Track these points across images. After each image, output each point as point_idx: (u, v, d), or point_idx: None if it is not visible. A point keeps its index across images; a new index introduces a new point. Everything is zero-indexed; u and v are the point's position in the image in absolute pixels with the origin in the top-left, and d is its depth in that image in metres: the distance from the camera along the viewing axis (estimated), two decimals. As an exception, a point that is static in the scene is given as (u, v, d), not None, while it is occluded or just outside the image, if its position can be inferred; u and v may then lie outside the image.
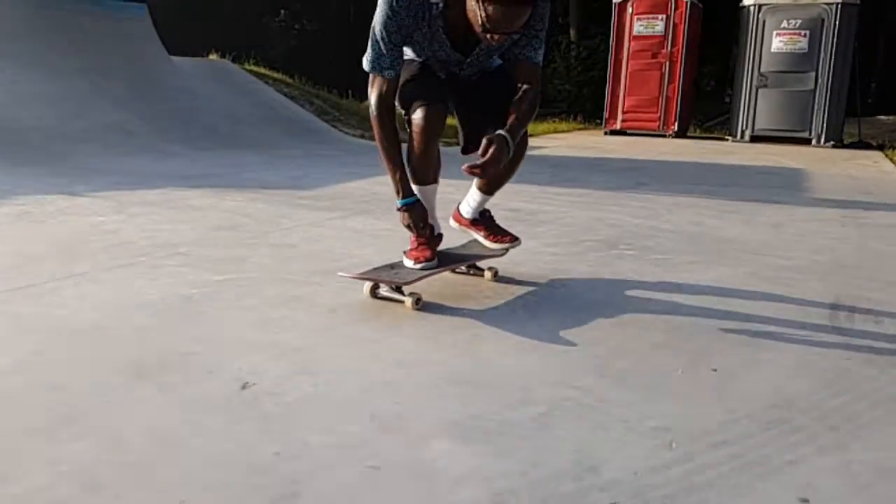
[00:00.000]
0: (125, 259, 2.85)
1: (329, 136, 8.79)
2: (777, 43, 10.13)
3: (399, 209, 2.45)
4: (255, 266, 2.82)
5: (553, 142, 10.14)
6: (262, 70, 11.34)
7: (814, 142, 10.05)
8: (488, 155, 2.15)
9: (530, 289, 2.61)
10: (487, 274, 2.72)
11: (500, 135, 2.18)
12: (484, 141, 2.16)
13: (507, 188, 2.75)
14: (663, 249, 3.30)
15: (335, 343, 2.02)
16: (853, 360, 1.98)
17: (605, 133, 11.40)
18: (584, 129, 12.82)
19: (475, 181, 2.61)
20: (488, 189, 2.68)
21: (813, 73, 9.98)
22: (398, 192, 2.42)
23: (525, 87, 2.32)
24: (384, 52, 2.23)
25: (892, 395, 1.75)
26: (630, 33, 11.00)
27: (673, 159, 7.76)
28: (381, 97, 2.30)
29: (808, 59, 9.98)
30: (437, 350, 1.98)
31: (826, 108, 9.97)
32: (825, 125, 10.00)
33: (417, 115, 2.31)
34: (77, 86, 7.14)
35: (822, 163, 7.72)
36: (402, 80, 2.32)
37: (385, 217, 3.86)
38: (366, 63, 2.28)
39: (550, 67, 16.93)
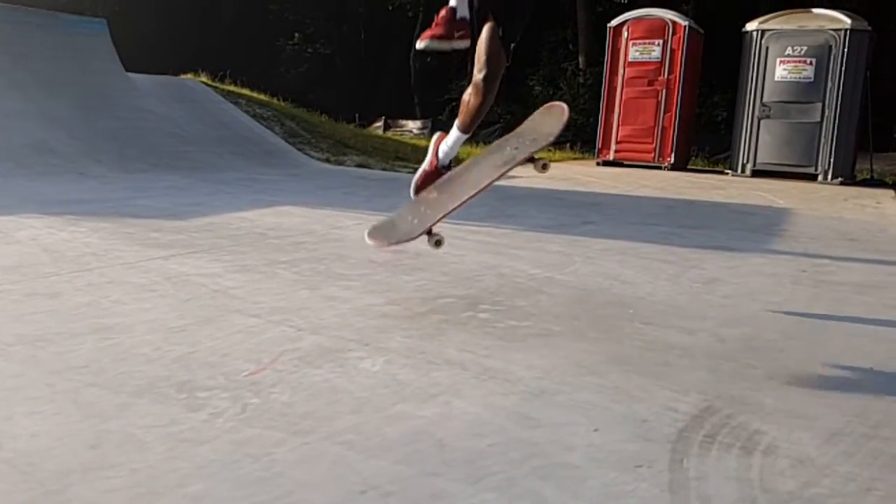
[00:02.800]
0: None
1: (287, 158, 8.25)
2: (781, 71, 9.35)
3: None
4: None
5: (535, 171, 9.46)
6: (238, 89, 10.93)
7: (820, 178, 9.20)
8: None
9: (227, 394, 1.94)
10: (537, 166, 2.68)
11: None
12: None
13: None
14: (529, 313, 2.61)
15: None
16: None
17: (598, 164, 10.69)
18: (581, 158, 12.12)
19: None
20: (463, 125, 2.69)
21: (819, 104, 9.16)
22: None
23: None
24: None
25: None
26: (625, 59, 10.32)
27: (648, 194, 7.03)
28: None
29: (814, 88, 9.17)
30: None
31: (833, 142, 9.13)
32: (832, 160, 9.15)
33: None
34: (6, 101, 6.71)
35: (818, 202, 6.91)
36: None
37: (223, 259, 3.25)
38: None
39: (557, 95, 16.33)
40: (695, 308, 2.80)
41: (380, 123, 18.27)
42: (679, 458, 1.54)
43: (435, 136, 2.96)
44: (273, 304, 2.56)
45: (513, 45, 2.64)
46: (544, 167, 2.71)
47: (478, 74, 2.54)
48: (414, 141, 13.02)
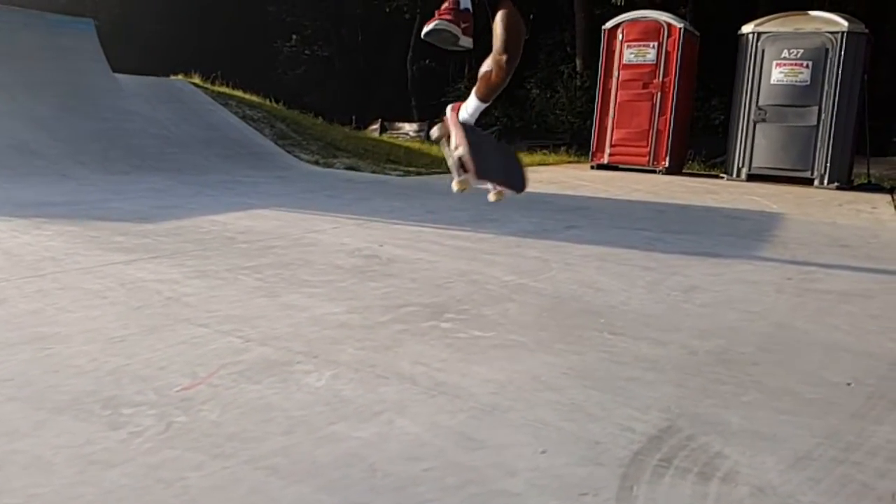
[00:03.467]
0: None
1: (275, 160, 8.15)
2: (777, 74, 9.23)
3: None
4: None
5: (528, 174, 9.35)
6: (230, 90, 10.83)
7: (816, 182, 9.07)
8: None
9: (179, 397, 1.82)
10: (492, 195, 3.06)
11: None
12: None
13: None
14: (495, 323, 2.49)
15: None
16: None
17: (592, 167, 10.57)
18: (576, 162, 12.00)
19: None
20: (483, 95, 2.78)
21: (815, 108, 9.04)
22: None
23: None
24: None
25: None
26: (620, 62, 10.20)
27: (639, 198, 6.91)
28: None
29: (810, 92, 9.04)
30: None
31: (830, 146, 9.00)
32: (828, 164, 9.02)
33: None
34: (-11, 101, 6.62)
35: (812, 207, 6.79)
36: None
37: (186, 264, 3.14)
38: None
39: (554, 98, 16.24)
40: (669, 318, 2.69)
41: (376, 126, 18.15)
42: (629, 484, 1.42)
43: (449, 107, 2.98)
44: (226, 313, 2.45)
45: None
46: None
47: (501, 56, 2.62)
48: (408, 143, 12.92)
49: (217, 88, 10.54)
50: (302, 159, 8.47)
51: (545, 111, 15.79)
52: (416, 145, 12.61)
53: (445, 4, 2.63)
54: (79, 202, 4.82)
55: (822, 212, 6.47)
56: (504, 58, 2.61)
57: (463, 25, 2.62)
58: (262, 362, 2.00)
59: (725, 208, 6.40)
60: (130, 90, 8.41)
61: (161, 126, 8.00)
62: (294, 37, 22.17)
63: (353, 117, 19.01)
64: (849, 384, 2.06)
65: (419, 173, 8.47)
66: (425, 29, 2.63)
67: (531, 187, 6.46)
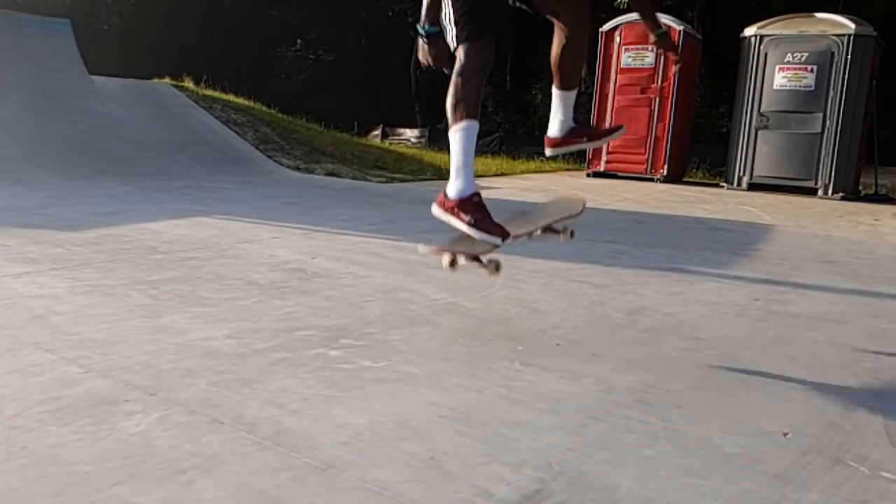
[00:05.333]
0: None
1: (253, 165, 7.90)
2: (780, 79, 8.85)
3: (423, 37, 2.35)
4: None
5: (519, 182, 9.06)
6: (219, 94, 10.63)
7: (820, 192, 8.67)
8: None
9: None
10: (562, 237, 2.66)
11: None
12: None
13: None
14: (394, 350, 2.18)
15: None
16: None
17: (588, 175, 10.23)
18: (573, 169, 11.67)
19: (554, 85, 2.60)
20: (564, 83, 2.58)
21: (820, 114, 8.65)
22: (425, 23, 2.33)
23: None
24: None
25: None
26: (617, 65, 9.87)
27: (625, 208, 6.57)
28: None
29: (814, 97, 8.66)
30: None
31: (835, 155, 8.60)
32: (833, 174, 8.62)
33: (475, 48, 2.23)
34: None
35: (809, 218, 6.41)
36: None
37: (82, 277, 2.86)
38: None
39: (556, 103, 15.88)
40: (600, 345, 2.36)
41: (377, 132, 17.93)
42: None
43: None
44: (87, 336, 2.16)
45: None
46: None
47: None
48: (403, 149, 12.64)
49: (205, 92, 10.34)
50: (282, 164, 8.22)
51: (548, 117, 15.44)
52: (412, 151, 12.34)
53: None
54: (17, 208, 4.58)
55: (818, 224, 6.10)
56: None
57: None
58: (87, 399, 1.71)
59: (713, 219, 6.05)
60: (107, 93, 8.21)
61: (135, 130, 7.78)
62: (298, 41, 22.03)
63: (356, 123, 18.81)
64: (785, 434, 1.73)
65: (403, 180, 8.19)
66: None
67: (512, 194, 6.22)
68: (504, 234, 2.19)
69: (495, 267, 2.25)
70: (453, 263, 2.27)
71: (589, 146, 2.77)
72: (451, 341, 2.33)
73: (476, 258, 2.25)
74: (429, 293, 2.92)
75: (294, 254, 3.54)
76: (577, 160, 12.39)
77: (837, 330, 2.71)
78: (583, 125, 2.68)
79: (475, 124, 2.24)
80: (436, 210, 2.31)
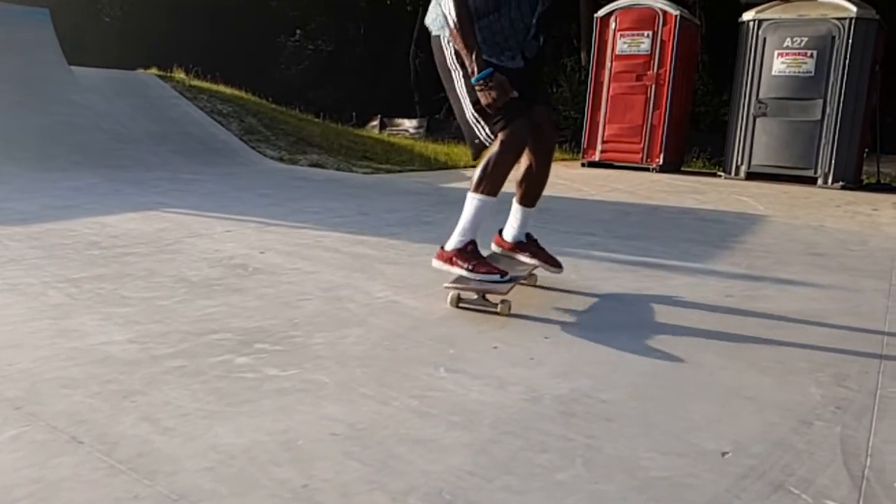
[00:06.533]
0: None
1: (235, 156, 7.71)
2: (779, 65, 8.56)
3: (479, 85, 2.40)
4: None
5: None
6: (208, 84, 10.46)
7: (820, 182, 8.39)
8: None
9: None
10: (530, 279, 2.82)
11: None
12: None
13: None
14: (311, 356, 1.99)
15: None
16: None
17: (583, 165, 9.98)
18: (570, 159, 11.41)
19: (515, 198, 2.78)
20: (529, 201, 2.76)
21: (820, 101, 8.35)
22: (475, 70, 2.40)
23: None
24: None
25: None
26: (612, 52, 9.59)
27: (612, 199, 6.34)
28: None
29: (814, 83, 8.36)
30: None
31: (835, 143, 8.31)
32: (833, 162, 8.33)
33: (517, 131, 2.44)
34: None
35: (804, 209, 6.17)
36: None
37: (2, 276, 2.69)
38: None
39: (557, 92, 15.64)
40: (542, 347, 2.16)
41: (375, 122, 17.71)
42: None
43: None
44: (-24, 341, 1.98)
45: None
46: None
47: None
48: (397, 140, 12.43)
49: (193, 83, 10.17)
50: (266, 155, 8.03)
51: (554, 109, 15.21)
52: (406, 142, 12.12)
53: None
54: (-29, 201, 4.42)
55: (813, 214, 5.86)
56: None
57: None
58: (-61, 415, 1.53)
59: (703, 210, 5.82)
60: (88, 84, 8.04)
61: (115, 121, 7.61)
62: (298, 31, 21.81)
63: (354, 114, 18.61)
64: (724, 454, 1.53)
65: (389, 171, 8.00)
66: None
67: (504, 187, 6.02)
68: (503, 273, 2.49)
69: (508, 308, 2.43)
70: (458, 303, 2.49)
71: (529, 261, 2.77)
72: (377, 344, 2.14)
73: (484, 297, 2.47)
74: (373, 291, 2.73)
75: (243, 248, 3.35)
76: (573, 150, 12.17)
77: (810, 330, 2.50)
78: (528, 243, 2.79)
79: (493, 202, 2.55)
80: (435, 263, 2.60)
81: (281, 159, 7.97)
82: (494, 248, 2.83)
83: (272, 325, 2.24)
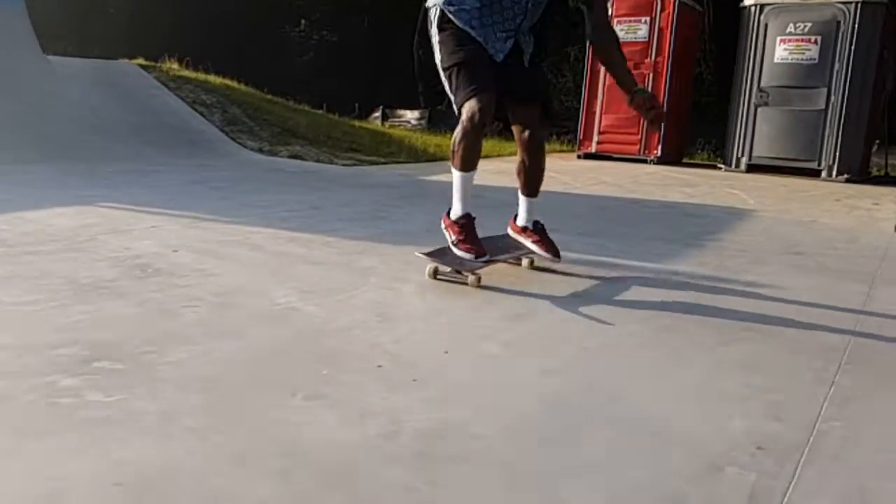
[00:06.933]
0: None
1: (212, 148, 7.48)
2: (781, 51, 8.16)
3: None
4: None
5: (496, 164, 8.51)
6: (196, 74, 10.24)
7: (824, 174, 7.99)
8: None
9: None
10: (525, 262, 2.99)
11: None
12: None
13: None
14: (159, 377, 1.72)
15: None
16: None
17: (579, 157, 9.65)
18: (567, 151, 11.08)
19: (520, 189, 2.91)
20: (529, 191, 2.89)
21: (824, 89, 7.94)
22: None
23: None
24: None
25: None
26: (609, 39, 9.22)
27: (594, 192, 6.02)
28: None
29: (818, 71, 7.95)
30: None
31: (840, 133, 7.90)
32: (838, 154, 7.93)
33: (471, 105, 2.55)
34: None
35: (800, 202, 5.81)
36: (453, 63, 2.60)
37: None
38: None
39: (561, 82, 15.27)
40: (434, 366, 1.88)
41: (378, 114, 17.42)
42: None
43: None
44: None
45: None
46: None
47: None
48: (393, 131, 12.14)
49: (179, 73, 9.95)
50: (246, 146, 7.80)
51: (552, 97, 14.84)
52: (401, 134, 11.84)
53: None
54: None
55: (807, 208, 5.50)
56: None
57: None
58: None
59: (688, 204, 5.49)
60: (65, 73, 7.84)
61: (90, 111, 7.40)
62: (303, 21, 21.55)
63: (357, 105, 18.34)
64: (594, 511, 1.24)
65: (373, 162, 7.73)
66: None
67: (484, 180, 5.78)
68: (479, 254, 2.61)
69: (477, 281, 2.60)
70: (435, 274, 2.68)
71: (536, 249, 2.89)
72: (239, 363, 1.86)
73: (458, 271, 2.65)
74: (276, 296, 2.46)
75: (157, 246, 3.09)
76: (570, 142, 11.83)
77: (759, 346, 2.19)
78: (534, 229, 2.90)
79: (469, 175, 2.68)
80: (442, 224, 2.77)
81: (261, 150, 7.73)
82: (508, 230, 2.98)
83: (126, 339, 1.97)
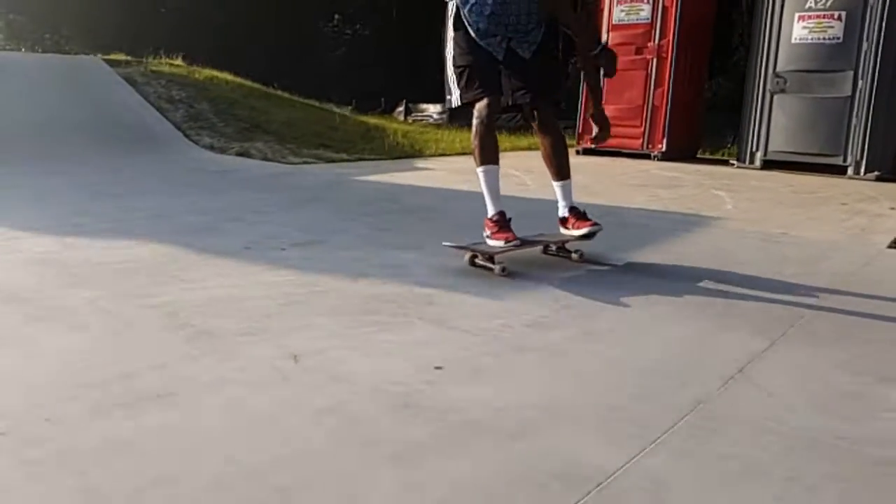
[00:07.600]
0: None
1: (156, 145, 7.05)
2: (800, 30, 7.07)
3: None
4: None
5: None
6: (170, 69, 9.86)
7: (850, 171, 6.88)
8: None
9: None
10: (574, 256, 3.07)
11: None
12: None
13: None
14: None
15: None
16: None
17: (577, 153, 8.74)
18: (569, 146, 10.15)
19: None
20: (554, 173, 3.07)
21: (850, 73, 6.82)
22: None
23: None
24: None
25: None
26: (609, 21, 8.30)
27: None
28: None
29: (843, 52, 6.84)
30: None
31: (868, 123, 6.78)
32: (866, 148, 6.79)
33: (480, 106, 2.82)
34: None
35: (792, 208, 4.84)
36: (464, 64, 2.85)
37: None
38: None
39: (570, 69, 14.25)
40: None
41: (402, 108, 16.83)
42: None
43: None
44: None
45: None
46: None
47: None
48: (392, 125, 11.47)
49: (154, 68, 9.58)
50: (200, 144, 7.31)
51: (558, 82, 13.87)
52: (401, 128, 11.16)
53: None
54: None
55: (793, 216, 4.55)
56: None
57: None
58: None
59: (646, 210, 4.61)
60: (15, 70, 7.53)
61: (34, 109, 7.06)
62: (336, 17, 21.17)
63: (383, 99, 17.84)
64: None
65: (330, 160, 7.14)
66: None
67: (410, 180, 5.09)
68: (508, 239, 2.79)
69: (502, 269, 2.75)
70: (473, 261, 2.84)
71: (569, 233, 3.01)
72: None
73: (490, 259, 2.80)
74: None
75: None
76: (574, 136, 10.90)
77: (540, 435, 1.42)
78: (569, 217, 3.01)
79: (493, 169, 2.89)
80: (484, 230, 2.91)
81: (212, 147, 7.23)
82: (559, 229, 3.09)
83: None
